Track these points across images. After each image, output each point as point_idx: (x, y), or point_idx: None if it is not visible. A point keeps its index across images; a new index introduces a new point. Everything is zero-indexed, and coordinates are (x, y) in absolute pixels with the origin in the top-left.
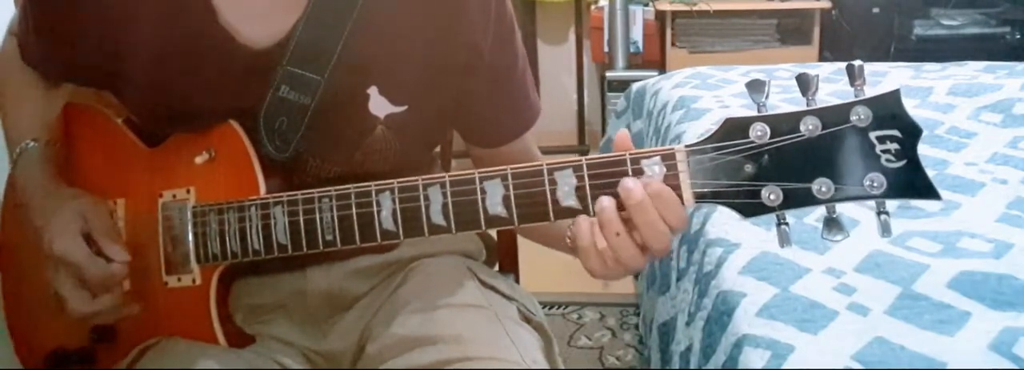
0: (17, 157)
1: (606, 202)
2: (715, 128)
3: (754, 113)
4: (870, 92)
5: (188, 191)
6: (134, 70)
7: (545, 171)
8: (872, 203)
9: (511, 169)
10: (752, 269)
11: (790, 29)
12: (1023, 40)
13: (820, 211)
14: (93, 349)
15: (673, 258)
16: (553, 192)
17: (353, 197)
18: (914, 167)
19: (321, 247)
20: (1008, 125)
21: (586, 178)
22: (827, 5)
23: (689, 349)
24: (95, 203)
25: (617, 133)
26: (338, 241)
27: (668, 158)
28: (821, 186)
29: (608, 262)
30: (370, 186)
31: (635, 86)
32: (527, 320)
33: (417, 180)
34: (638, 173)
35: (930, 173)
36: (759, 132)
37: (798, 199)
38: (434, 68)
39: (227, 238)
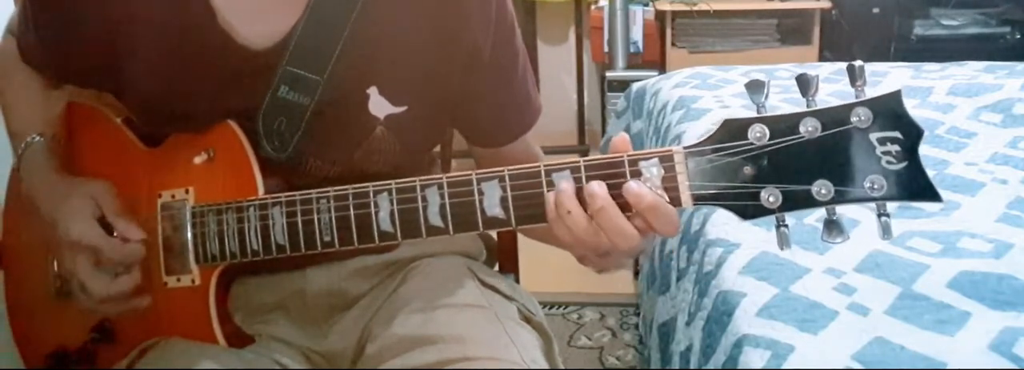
0: (23, 151)
1: (564, 185)
2: (714, 129)
3: (753, 114)
4: (870, 92)
5: (187, 191)
6: (133, 71)
7: (542, 172)
8: (873, 205)
9: (508, 170)
10: (752, 269)
11: (790, 29)
12: (1023, 40)
13: (820, 211)
14: (93, 349)
15: (673, 258)
16: None
17: (351, 198)
18: (915, 169)
19: (319, 248)
20: (1008, 125)
21: (584, 180)
22: (827, 5)
23: (689, 349)
24: (104, 186)
25: (615, 138)
26: (336, 242)
27: (666, 160)
28: (821, 188)
29: (574, 239)
30: (368, 187)
31: (635, 86)
32: (527, 320)
33: (415, 181)
34: (636, 175)
35: (930, 173)
36: (758, 133)
37: (798, 201)
38: (434, 68)
39: (226, 239)
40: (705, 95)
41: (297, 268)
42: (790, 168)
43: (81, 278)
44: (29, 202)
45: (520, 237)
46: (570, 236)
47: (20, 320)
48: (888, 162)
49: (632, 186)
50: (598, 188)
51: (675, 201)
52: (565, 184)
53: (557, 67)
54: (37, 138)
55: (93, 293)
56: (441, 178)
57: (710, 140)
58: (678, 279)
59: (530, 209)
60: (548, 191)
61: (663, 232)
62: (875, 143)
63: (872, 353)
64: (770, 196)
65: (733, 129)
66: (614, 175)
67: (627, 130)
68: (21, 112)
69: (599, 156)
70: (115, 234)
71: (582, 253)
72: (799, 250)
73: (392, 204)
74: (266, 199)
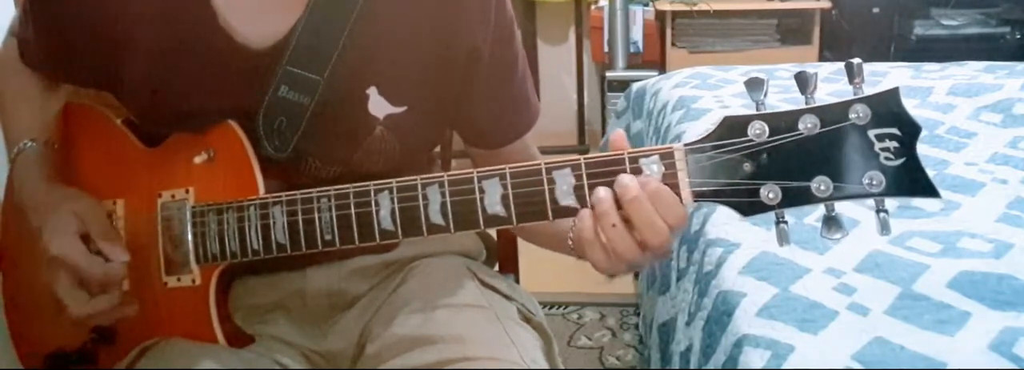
0: (15, 157)
1: (602, 193)
2: (714, 127)
3: (753, 112)
4: (869, 91)
5: (187, 191)
6: (133, 71)
7: (544, 170)
8: (871, 201)
9: (509, 168)
10: (752, 269)
11: (790, 29)
12: (1023, 40)
13: (820, 211)
14: (93, 349)
15: (673, 258)
16: (552, 191)
17: (352, 197)
18: (913, 165)
19: (320, 247)
20: (1008, 125)
21: (585, 177)
22: (827, 5)
23: (689, 349)
24: (92, 204)
25: (613, 134)
26: (337, 241)
27: (667, 157)
28: (820, 184)
29: (610, 255)
30: (369, 186)
31: (635, 86)
32: (527, 320)
33: (416, 179)
34: (637, 172)
35: (930, 173)
36: (758, 130)
37: (797, 197)
38: (434, 69)
39: (226, 238)
40: (705, 95)
41: (297, 268)
42: (789, 165)
43: (58, 295)
44: (21, 208)
45: (520, 238)
46: (603, 255)
47: (18, 320)
48: (886, 158)
49: (625, 178)
50: (629, 180)
51: None
52: (603, 192)
53: (557, 67)
54: (30, 144)
55: (69, 311)
56: (442, 176)
57: (710, 137)
58: (678, 279)
59: (531, 207)
60: (578, 204)
61: (671, 221)
62: (873, 139)
63: (872, 353)
64: (770, 192)
65: (733, 126)
66: (615, 173)
67: (627, 130)
68: (18, 116)
69: (600, 154)
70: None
71: (612, 268)
72: (799, 250)
73: (393, 202)
74: (267, 198)
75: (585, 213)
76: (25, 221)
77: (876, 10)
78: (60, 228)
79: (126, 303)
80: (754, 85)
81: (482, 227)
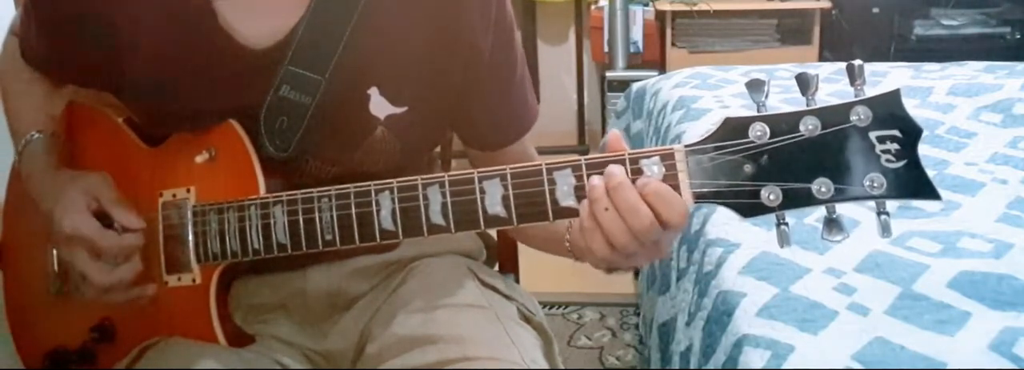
0: (22, 149)
1: (595, 181)
2: (714, 128)
3: (754, 113)
4: (870, 92)
5: (188, 190)
6: (135, 71)
7: (544, 171)
8: (872, 203)
9: (510, 169)
10: (752, 269)
11: (790, 29)
12: (1023, 40)
13: (820, 211)
14: (93, 349)
15: (673, 258)
16: (552, 192)
17: (352, 197)
18: (914, 167)
19: (321, 247)
20: (1008, 125)
21: (585, 178)
22: (827, 5)
23: (689, 349)
24: (98, 178)
25: (609, 134)
26: (337, 241)
27: (667, 158)
28: (821, 186)
29: (607, 242)
30: (369, 186)
31: (635, 86)
32: (527, 320)
33: (416, 180)
34: (637, 173)
35: (930, 173)
36: (759, 132)
37: (798, 199)
38: (435, 69)
39: (227, 237)
40: (705, 95)
41: (297, 268)
42: (790, 166)
43: (80, 269)
44: (28, 199)
45: None
46: (603, 242)
47: (19, 319)
48: (887, 160)
49: (612, 167)
50: (616, 169)
51: None
52: (596, 180)
53: (557, 67)
54: (37, 135)
55: (94, 283)
56: (443, 177)
57: (711, 138)
58: (678, 279)
59: (532, 207)
60: (578, 203)
61: (670, 220)
62: (874, 142)
63: (872, 353)
64: (770, 194)
65: (734, 127)
66: None
67: (627, 130)
68: (23, 111)
69: (600, 154)
70: (114, 224)
71: (610, 260)
72: (799, 250)
73: (394, 202)
74: (267, 198)
75: (584, 203)
76: (28, 217)
77: (876, 10)
78: (71, 207)
79: (143, 282)
80: (755, 86)
81: (483, 227)
